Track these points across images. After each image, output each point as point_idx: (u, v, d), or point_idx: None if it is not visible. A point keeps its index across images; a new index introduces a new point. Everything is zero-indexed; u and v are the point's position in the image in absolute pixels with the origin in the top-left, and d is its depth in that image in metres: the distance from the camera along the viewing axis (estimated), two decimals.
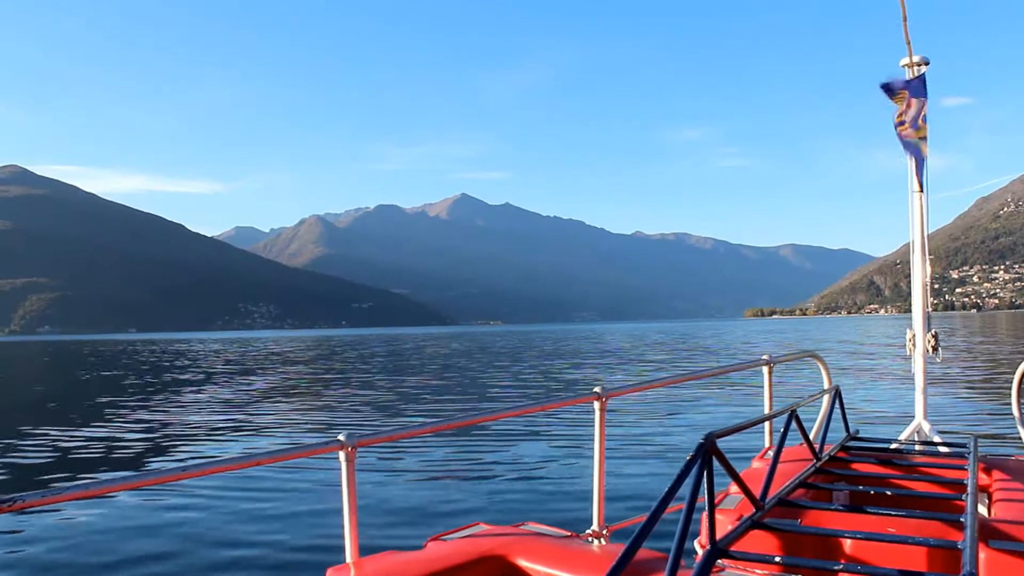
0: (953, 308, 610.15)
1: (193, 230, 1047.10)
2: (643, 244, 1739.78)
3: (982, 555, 3.14)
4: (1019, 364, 6.32)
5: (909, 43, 6.44)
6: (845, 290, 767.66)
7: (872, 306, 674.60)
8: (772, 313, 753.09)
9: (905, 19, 6.30)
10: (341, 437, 3.56)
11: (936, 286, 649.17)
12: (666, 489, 2.51)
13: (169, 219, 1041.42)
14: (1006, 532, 3.28)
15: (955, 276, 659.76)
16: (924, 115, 6.27)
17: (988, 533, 3.27)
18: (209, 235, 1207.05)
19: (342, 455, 3.56)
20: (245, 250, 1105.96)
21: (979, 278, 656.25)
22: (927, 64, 6.44)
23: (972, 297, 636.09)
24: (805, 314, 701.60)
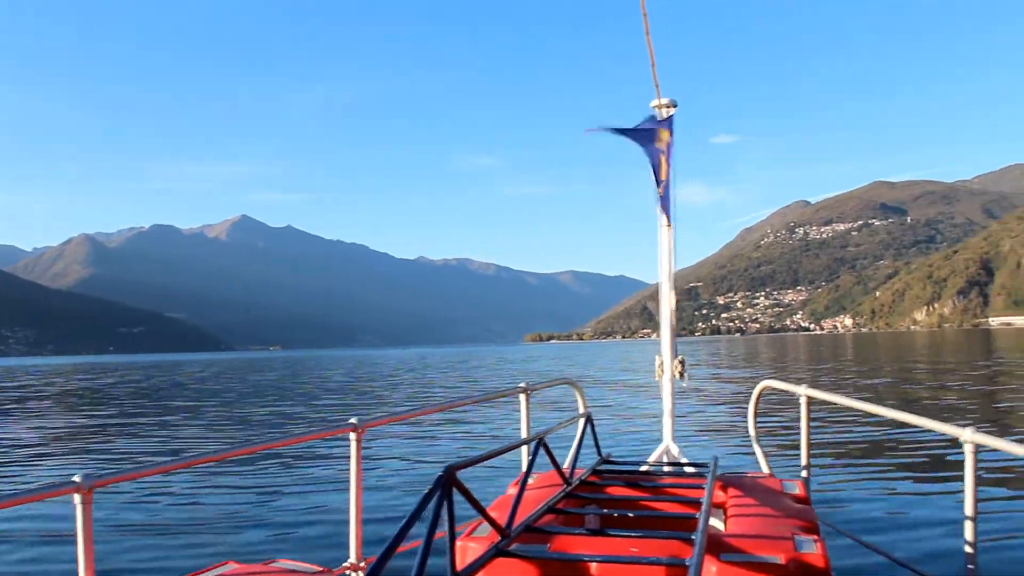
0: (720, 332, 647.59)
1: None
2: (427, 269, 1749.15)
3: (714, 569, 3.26)
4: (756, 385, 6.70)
5: (657, 85, 6.64)
6: (620, 315, 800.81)
7: (645, 330, 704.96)
8: (551, 338, 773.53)
9: (653, 63, 6.50)
10: (76, 478, 3.23)
11: (704, 311, 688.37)
12: (402, 523, 2.46)
13: None
14: (737, 546, 3.40)
15: (721, 302, 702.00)
16: (670, 155, 6.47)
17: (721, 547, 3.39)
18: None
19: (77, 497, 3.22)
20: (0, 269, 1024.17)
21: (742, 304, 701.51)
22: (675, 106, 6.67)
23: (736, 322, 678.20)
24: (582, 339, 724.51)
